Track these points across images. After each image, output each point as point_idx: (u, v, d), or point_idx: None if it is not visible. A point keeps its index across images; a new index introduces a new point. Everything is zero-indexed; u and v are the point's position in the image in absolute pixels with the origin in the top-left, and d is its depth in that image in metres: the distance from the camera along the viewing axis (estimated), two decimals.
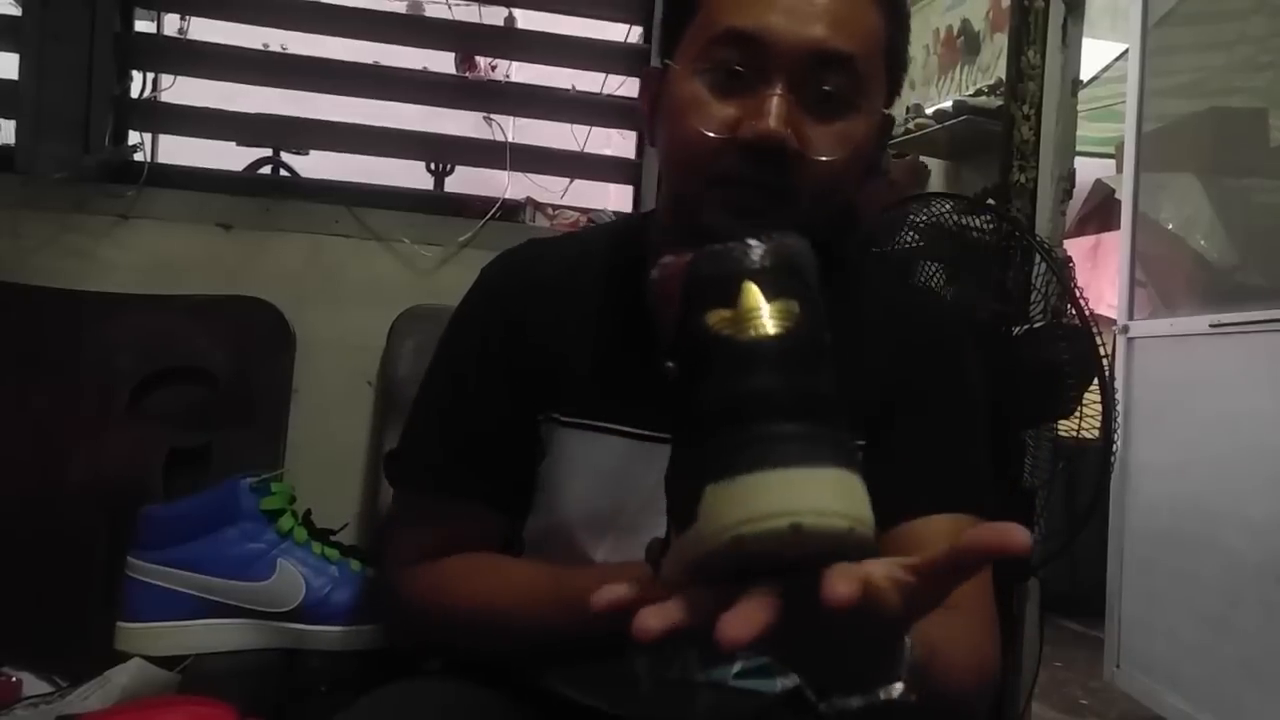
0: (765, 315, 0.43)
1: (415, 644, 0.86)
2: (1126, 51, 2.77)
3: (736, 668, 0.72)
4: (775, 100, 0.66)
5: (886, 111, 0.75)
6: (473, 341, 0.81)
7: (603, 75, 1.73)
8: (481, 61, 2.71)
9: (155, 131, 1.74)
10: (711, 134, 0.68)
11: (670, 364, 0.46)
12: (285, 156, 1.63)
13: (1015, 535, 0.42)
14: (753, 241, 0.45)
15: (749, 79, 0.68)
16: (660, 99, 0.75)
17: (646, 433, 0.75)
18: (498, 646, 0.77)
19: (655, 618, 0.41)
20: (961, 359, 0.81)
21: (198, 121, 1.50)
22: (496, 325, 0.80)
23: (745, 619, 0.39)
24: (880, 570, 0.44)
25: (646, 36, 1.59)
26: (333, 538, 1.07)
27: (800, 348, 0.44)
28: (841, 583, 0.39)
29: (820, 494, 0.40)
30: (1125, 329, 2.53)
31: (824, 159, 0.68)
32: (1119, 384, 1.46)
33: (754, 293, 0.44)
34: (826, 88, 0.68)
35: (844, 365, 0.78)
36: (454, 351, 0.83)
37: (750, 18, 0.68)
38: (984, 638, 0.71)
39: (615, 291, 0.79)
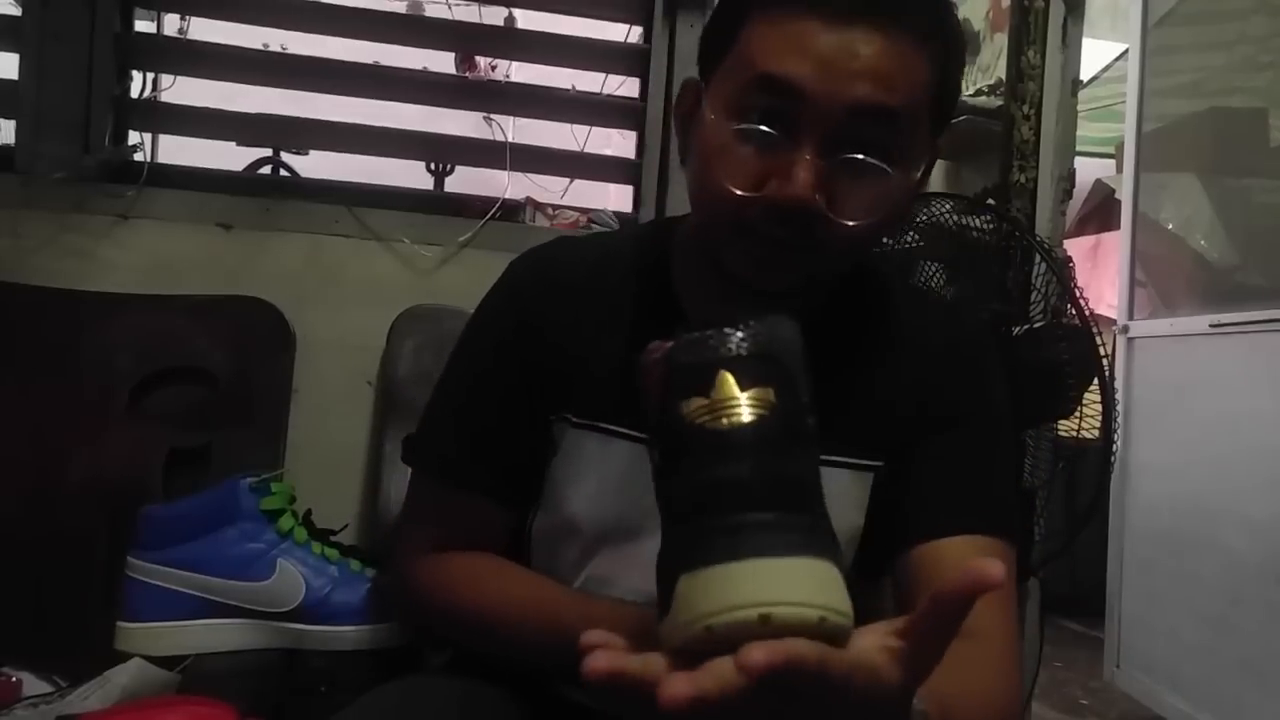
0: (740, 404, 0.44)
1: (419, 633, 0.88)
2: (1126, 51, 2.77)
3: None
4: (804, 165, 0.63)
5: (934, 141, 0.72)
6: (492, 337, 0.81)
7: (603, 75, 1.73)
8: (481, 61, 2.71)
9: (155, 131, 1.74)
10: (738, 191, 0.65)
11: (652, 450, 0.47)
12: (285, 156, 1.63)
13: (987, 570, 0.43)
14: (730, 329, 0.46)
15: (781, 138, 0.64)
16: (693, 122, 0.72)
17: None
18: (493, 651, 0.78)
19: (605, 659, 0.42)
20: (988, 379, 0.80)
21: (198, 121, 1.50)
22: (516, 322, 0.80)
23: (690, 681, 0.40)
24: (872, 641, 0.44)
25: (646, 36, 1.59)
26: (333, 538, 1.07)
27: (775, 435, 0.44)
28: (757, 651, 0.39)
29: (790, 584, 0.41)
30: (1125, 329, 2.53)
31: (853, 222, 0.65)
32: (1119, 384, 1.46)
33: (729, 382, 0.45)
34: (866, 145, 0.64)
35: (870, 383, 0.77)
36: (474, 344, 0.83)
37: (787, 66, 0.64)
38: (1002, 675, 0.69)
39: (636, 297, 0.79)
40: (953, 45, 0.70)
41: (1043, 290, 1.33)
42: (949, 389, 0.77)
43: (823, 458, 0.48)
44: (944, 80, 0.69)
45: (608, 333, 0.77)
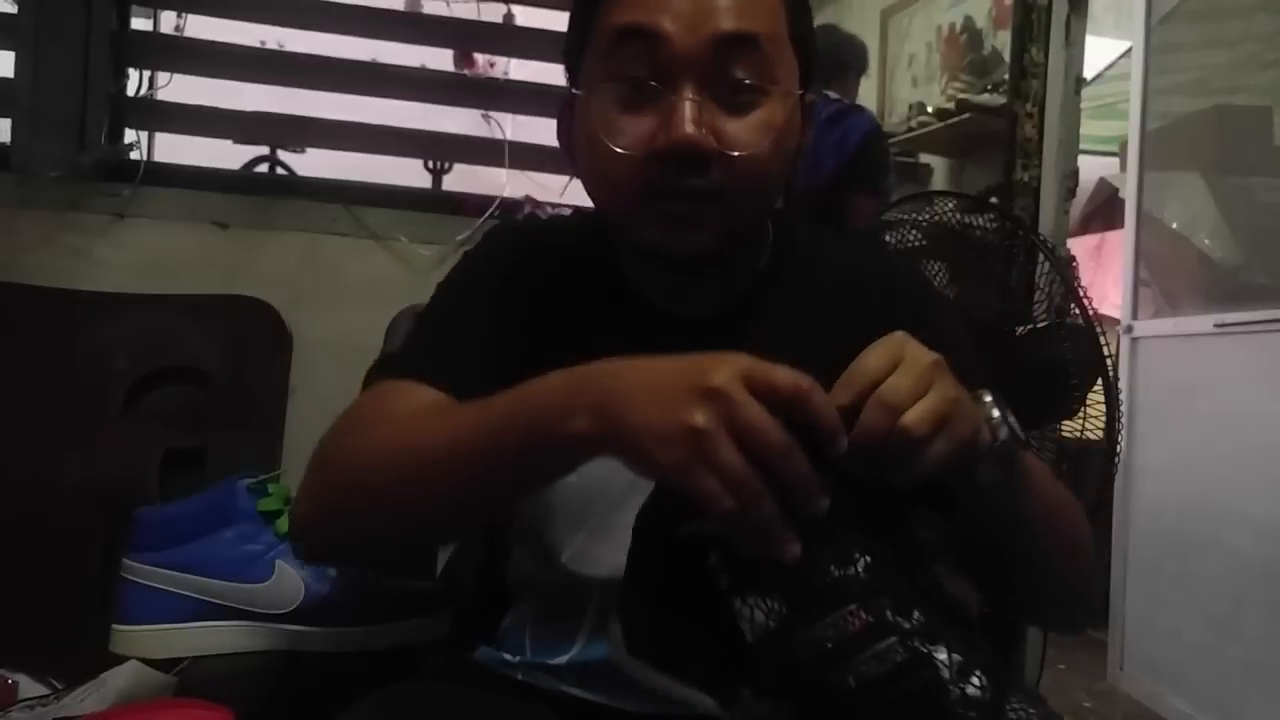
0: None
1: (314, 548, 0.75)
2: (1130, 49, 2.76)
3: None
4: (685, 105, 0.65)
5: (804, 94, 0.73)
6: (483, 276, 0.78)
7: None
8: (480, 59, 2.70)
9: (151, 129, 1.73)
10: (628, 151, 0.66)
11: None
12: (282, 155, 1.63)
13: None
14: None
15: (655, 89, 0.66)
16: (574, 129, 0.73)
17: None
18: (404, 506, 0.64)
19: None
20: (929, 292, 0.84)
21: (194, 120, 1.49)
22: (503, 278, 0.77)
23: None
24: None
25: None
26: None
27: None
28: None
29: None
30: (1129, 329, 2.52)
31: (746, 153, 0.67)
32: (1123, 384, 1.45)
33: None
34: (737, 75, 0.66)
35: (811, 336, 0.76)
36: (462, 280, 0.80)
37: (644, 14, 0.66)
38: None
39: (598, 282, 0.77)
40: None
41: (1046, 290, 1.33)
42: (899, 312, 0.73)
43: None
44: (796, 15, 0.71)
45: (576, 316, 0.76)
